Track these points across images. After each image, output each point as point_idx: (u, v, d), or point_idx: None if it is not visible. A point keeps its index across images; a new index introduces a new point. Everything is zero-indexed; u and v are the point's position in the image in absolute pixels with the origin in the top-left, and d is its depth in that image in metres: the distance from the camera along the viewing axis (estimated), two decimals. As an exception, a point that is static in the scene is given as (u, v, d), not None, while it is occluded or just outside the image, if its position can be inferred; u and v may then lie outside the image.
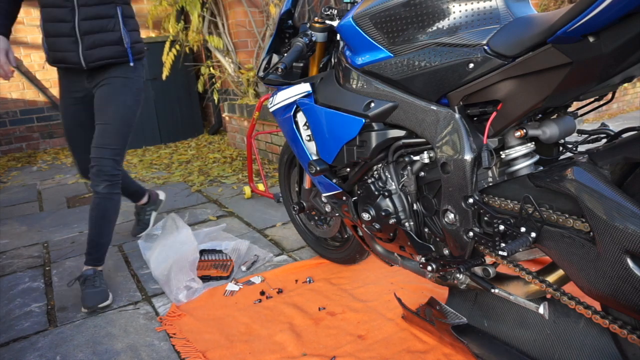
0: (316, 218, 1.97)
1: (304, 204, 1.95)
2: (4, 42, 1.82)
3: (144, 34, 5.73)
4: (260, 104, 2.85)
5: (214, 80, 5.01)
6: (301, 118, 1.52)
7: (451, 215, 1.14)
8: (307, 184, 1.91)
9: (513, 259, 1.12)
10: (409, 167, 1.25)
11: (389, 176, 1.30)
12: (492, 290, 1.17)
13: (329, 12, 1.52)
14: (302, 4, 1.65)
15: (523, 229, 1.00)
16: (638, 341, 0.92)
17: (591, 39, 0.81)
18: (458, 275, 1.23)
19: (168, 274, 1.92)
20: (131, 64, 1.98)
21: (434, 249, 1.26)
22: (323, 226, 1.97)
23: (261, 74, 1.65)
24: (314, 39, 1.47)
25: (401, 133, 1.23)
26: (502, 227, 1.03)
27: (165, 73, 4.51)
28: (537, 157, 1.12)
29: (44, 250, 2.49)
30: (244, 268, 2.05)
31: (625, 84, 1.70)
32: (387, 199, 1.30)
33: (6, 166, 4.80)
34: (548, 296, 1.15)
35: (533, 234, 0.98)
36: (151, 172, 4.11)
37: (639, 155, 0.86)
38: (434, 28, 1.11)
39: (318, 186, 1.58)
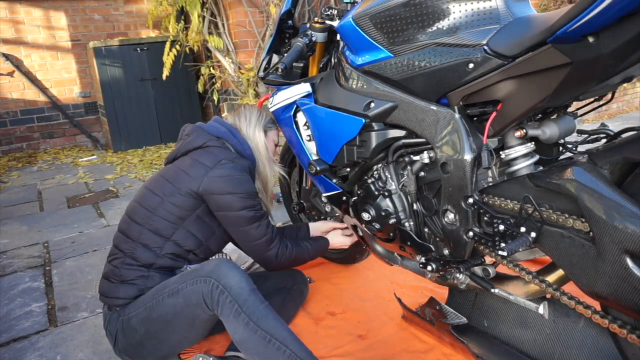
0: (316, 218, 1.96)
1: (304, 204, 1.95)
2: None
3: (144, 34, 5.73)
4: (260, 104, 2.84)
5: (214, 80, 5.01)
6: (301, 118, 1.52)
7: (451, 215, 1.14)
8: (307, 184, 1.91)
9: (513, 259, 1.12)
10: (409, 167, 1.25)
11: (389, 176, 1.30)
12: (492, 290, 1.17)
13: (329, 12, 1.52)
14: (302, 4, 1.66)
15: (523, 229, 1.00)
16: (638, 341, 0.92)
17: (591, 39, 0.81)
18: (458, 275, 1.23)
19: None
20: None
21: (434, 249, 1.26)
22: (323, 226, 1.97)
23: (261, 74, 1.65)
24: (314, 39, 1.47)
25: (401, 133, 1.23)
26: (502, 227, 1.03)
27: (165, 73, 4.51)
28: (537, 157, 1.12)
29: (44, 250, 2.49)
30: (243, 268, 2.05)
31: (625, 84, 1.70)
32: (387, 199, 1.30)
33: (6, 166, 4.80)
34: (548, 296, 1.15)
35: (533, 234, 0.98)
36: (151, 172, 4.11)
37: (638, 155, 0.86)
38: (434, 28, 1.11)
39: (318, 186, 1.58)
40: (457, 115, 1.09)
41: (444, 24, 1.10)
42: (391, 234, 1.34)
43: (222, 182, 1.37)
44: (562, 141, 1.17)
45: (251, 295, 1.21)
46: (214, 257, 1.51)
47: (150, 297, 1.33)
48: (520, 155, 1.10)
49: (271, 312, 1.22)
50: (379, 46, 1.21)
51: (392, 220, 1.30)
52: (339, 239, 1.70)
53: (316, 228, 1.76)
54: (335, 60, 1.47)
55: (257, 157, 1.55)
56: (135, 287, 1.36)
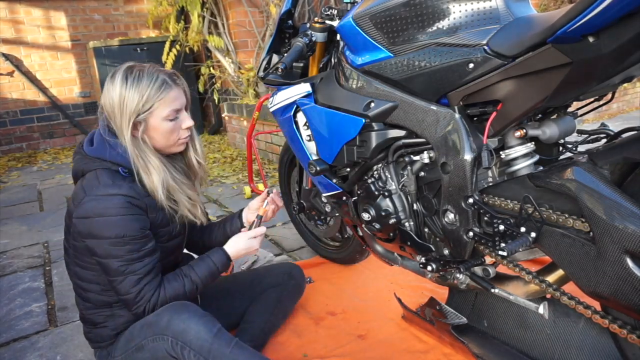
0: (316, 218, 1.97)
1: (304, 204, 1.95)
2: None
3: (144, 34, 5.74)
4: (260, 104, 2.85)
5: (214, 80, 5.01)
6: (301, 118, 1.52)
7: (451, 215, 1.14)
8: (307, 184, 1.92)
9: (513, 259, 1.12)
10: (409, 167, 1.25)
11: (389, 176, 1.30)
12: (492, 290, 1.17)
13: (329, 12, 1.51)
14: (302, 4, 1.65)
15: (523, 229, 1.00)
16: (638, 341, 0.92)
17: (591, 39, 0.81)
18: (458, 275, 1.23)
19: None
20: None
21: (434, 249, 1.26)
22: (323, 226, 1.97)
23: (261, 74, 1.65)
24: (314, 39, 1.47)
25: (401, 133, 1.23)
26: (502, 227, 1.03)
27: None
28: (537, 157, 1.12)
29: (44, 250, 2.49)
30: (244, 267, 2.05)
31: (625, 84, 1.70)
32: (387, 199, 1.30)
33: (6, 166, 4.80)
34: (548, 296, 1.15)
35: (533, 234, 0.98)
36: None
37: (638, 155, 0.86)
38: (434, 28, 1.11)
39: (318, 186, 1.58)
40: (457, 115, 1.08)
41: (444, 24, 1.10)
42: (391, 234, 1.34)
43: (83, 224, 1.17)
44: (562, 141, 1.17)
45: (214, 343, 1.13)
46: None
47: (123, 346, 1.26)
48: (520, 155, 1.10)
49: (241, 352, 1.15)
50: (379, 46, 1.21)
51: (392, 220, 1.30)
52: (242, 244, 1.36)
53: (247, 208, 1.56)
54: (335, 60, 1.47)
55: (133, 157, 1.20)
56: (108, 329, 1.30)
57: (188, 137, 1.32)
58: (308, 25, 1.54)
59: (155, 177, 1.22)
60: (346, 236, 1.94)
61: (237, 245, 1.36)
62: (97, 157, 1.22)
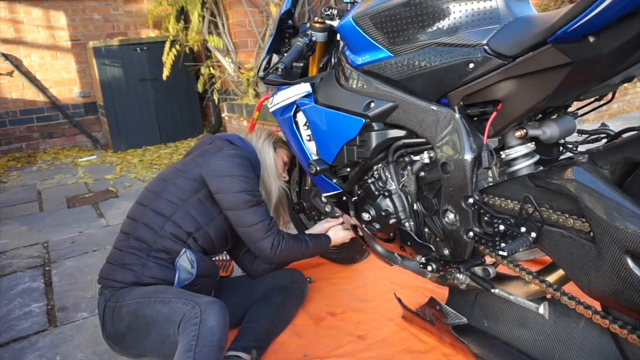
0: (316, 218, 1.97)
1: (304, 204, 1.95)
2: None
3: (144, 33, 5.74)
4: (260, 104, 2.84)
5: (214, 80, 5.01)
6: (301, 118, 1.52)
7: (451, 215, 1.14)
8: (307, 184, 1.91)
9: (513, 259, 1.12)
10: (409, 167, 1.25)
11: (389, 176, 1.30)
12: (492, 290, 1.17)
13: (329, 12, 1.51)
14: (302, 3, 1.66)
15: (523, 229, 1.00)
16: (638, 341, 0.92)
17: (591, 39, 0.81)
18: (458, 275, 1.23)
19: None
20: None
21: (434, 249, 1.26)
22: (323, 226, 1.97)
23: (261, 73, 1.65)
24: (314, 39, 1.47)
25: (401, 133, 1.23)
26: (502, 227, 1.03)
27: (165, 73, 4.51)
28: (537, 157, 1.12)
29: (44, 250, 2.49)
30: (244, 268, 2.05)
31: (625, 84, 1.70)
32: (387, 199, 1.30)
33: (6, 166, 4.80)
34: (548, 296, 1.15)
35: (533, 234, 0.98)
36: (151, 172, 4.11)
37: (639, 155, 0.86)
38: (434, 28, 1.11)
39: (318, 186, 1.58)
40: (457, 115, 1.08)
41: (444, 23, 1.10)
42: (391, 234, 1.34)
43: (222, 164, 1.46)
44: (562, 141, 1.17)
45: (212, 347, 1.16)
46: (218, 257, 1.50)
47: (147, 293, 1.32)
48: (520, 155, 1.10)
49: None
50: (379, 46, 1.21)
51: (392, 220, 1.30)
52: (340, 234, 1.70)
53: (315, 232, 1.74)
54: (335, 60, 1.47)
55: (262, 162, 1.63)
56: (132, 273, 1.38)
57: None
58: (308, 25, 1.54)
59: (280, 182, 1.72)
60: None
61: (337, 233, 1.70)
62: (229, 140, 1.62)
